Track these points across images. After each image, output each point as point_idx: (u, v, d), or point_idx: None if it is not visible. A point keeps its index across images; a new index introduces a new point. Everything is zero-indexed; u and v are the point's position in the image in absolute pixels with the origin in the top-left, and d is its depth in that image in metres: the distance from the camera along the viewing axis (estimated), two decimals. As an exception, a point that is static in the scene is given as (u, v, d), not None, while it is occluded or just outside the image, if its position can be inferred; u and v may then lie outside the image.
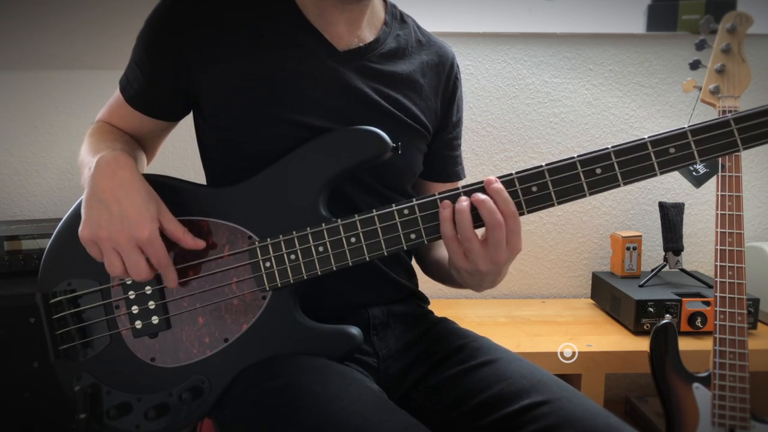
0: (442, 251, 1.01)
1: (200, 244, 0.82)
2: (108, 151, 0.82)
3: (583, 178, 0.77)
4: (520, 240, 0.78)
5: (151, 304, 0.85)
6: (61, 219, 0.90)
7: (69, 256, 0.87)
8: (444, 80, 1.00)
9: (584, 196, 0.77)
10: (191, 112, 0.96)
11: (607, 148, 0.76)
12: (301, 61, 0.87)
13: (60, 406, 1.30)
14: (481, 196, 0.77)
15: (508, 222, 0.76)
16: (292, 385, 0.77)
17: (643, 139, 0.76)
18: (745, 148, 0.73)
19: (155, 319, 0.85)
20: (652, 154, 0.75)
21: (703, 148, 0.74)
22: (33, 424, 1.34)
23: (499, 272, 0.82)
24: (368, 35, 0.93)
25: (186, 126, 0.97)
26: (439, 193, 0.80)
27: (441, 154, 1.04)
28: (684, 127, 0.75)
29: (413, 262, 1.07)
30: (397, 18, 0.98)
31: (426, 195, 0.81)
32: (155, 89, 0.90)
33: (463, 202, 0.77)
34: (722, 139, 0.74)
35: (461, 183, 0.91)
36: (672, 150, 0.75)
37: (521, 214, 0.78)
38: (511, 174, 0.78)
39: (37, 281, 0.88)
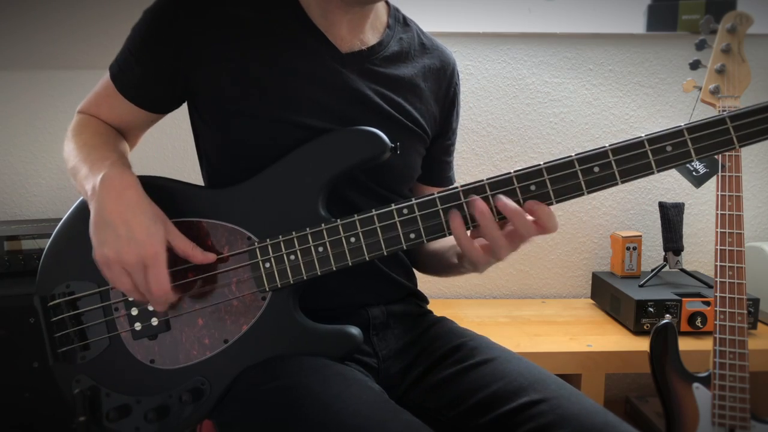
0: (434, 243, 1.01)
1: (210, 257, 0.82)
2: (109, 167, 0.81)
3: (581, 177, 0.77)
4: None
5: (150, 306, 0.84)
6: (61, 219, 0.90)
7: (67, 259, 0.87)
8: (444, 86, 1.00)
9: (582, 194, 0.78)
10: (185, 110, 0.95)
11: (605, 147, 0.76)
12: (303, 61, 0.87)
13: (61, 406, 1.30)
14: (511, 206, 0.76)
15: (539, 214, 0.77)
16: (293, 386, 0.77)
17: (641, 137, 0.76)
18: (741, 146, 0.74)
19: (155, 321, 0.85)
20: (649, 152, 0.75)
21: (699, 146, 0.75)
22: (33, 423, 1.34)
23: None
24: (371, 38, 0.93)
25: (186, 126, 0.96)
26: (438, 192, 0.80)
27: (439, 159, 1.05)
28: (680, 126, 0.75)
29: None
30: (400, 21, 0.98)
31: (424, 195, 0.80)
32: (150, 80, 0.89)
33: (480, 204, 0.76)
34: (718, 137, 0.74)
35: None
36: (669, 148, 0.75)
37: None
38: (509, 172, 0.78)
39: (36, 284, 0.88)
